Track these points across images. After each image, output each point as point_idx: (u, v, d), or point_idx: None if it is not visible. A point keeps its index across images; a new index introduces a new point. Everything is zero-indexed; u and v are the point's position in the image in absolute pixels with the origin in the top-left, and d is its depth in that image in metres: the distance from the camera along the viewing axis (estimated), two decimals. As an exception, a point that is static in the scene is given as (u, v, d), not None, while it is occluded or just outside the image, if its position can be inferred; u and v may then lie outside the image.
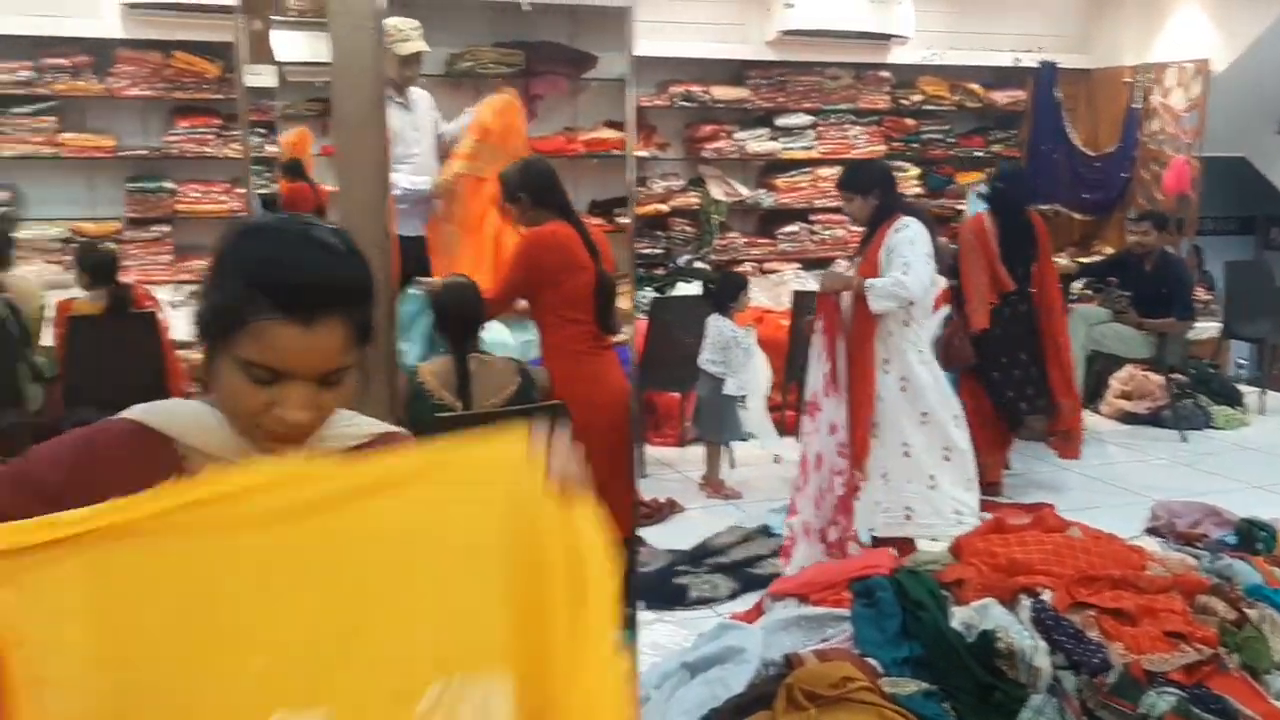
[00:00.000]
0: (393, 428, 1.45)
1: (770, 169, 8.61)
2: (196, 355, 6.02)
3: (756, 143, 8.44)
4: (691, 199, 8.21)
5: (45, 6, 6.86)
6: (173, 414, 1.35)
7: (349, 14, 2.25)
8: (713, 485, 5.80)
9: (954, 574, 3.42)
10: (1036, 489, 5.90)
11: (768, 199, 8.50)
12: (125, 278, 5.97)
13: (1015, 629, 3.16)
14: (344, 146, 2.36)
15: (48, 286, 5.61)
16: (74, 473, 1.30)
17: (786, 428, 6.32)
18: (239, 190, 7.51)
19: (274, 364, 1.24)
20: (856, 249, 4.65)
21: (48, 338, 5.49)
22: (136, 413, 1.36)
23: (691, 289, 7.34)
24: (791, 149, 8.53)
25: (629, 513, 3.58)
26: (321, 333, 1.24)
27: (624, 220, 6.17)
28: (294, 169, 7.02)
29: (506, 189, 4.09)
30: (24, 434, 5.18)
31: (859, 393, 4.35)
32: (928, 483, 4.42)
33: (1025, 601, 3.30)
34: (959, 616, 3.22)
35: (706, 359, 5.65)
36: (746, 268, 8.17)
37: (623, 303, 4.22)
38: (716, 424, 5.76)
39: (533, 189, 3.99)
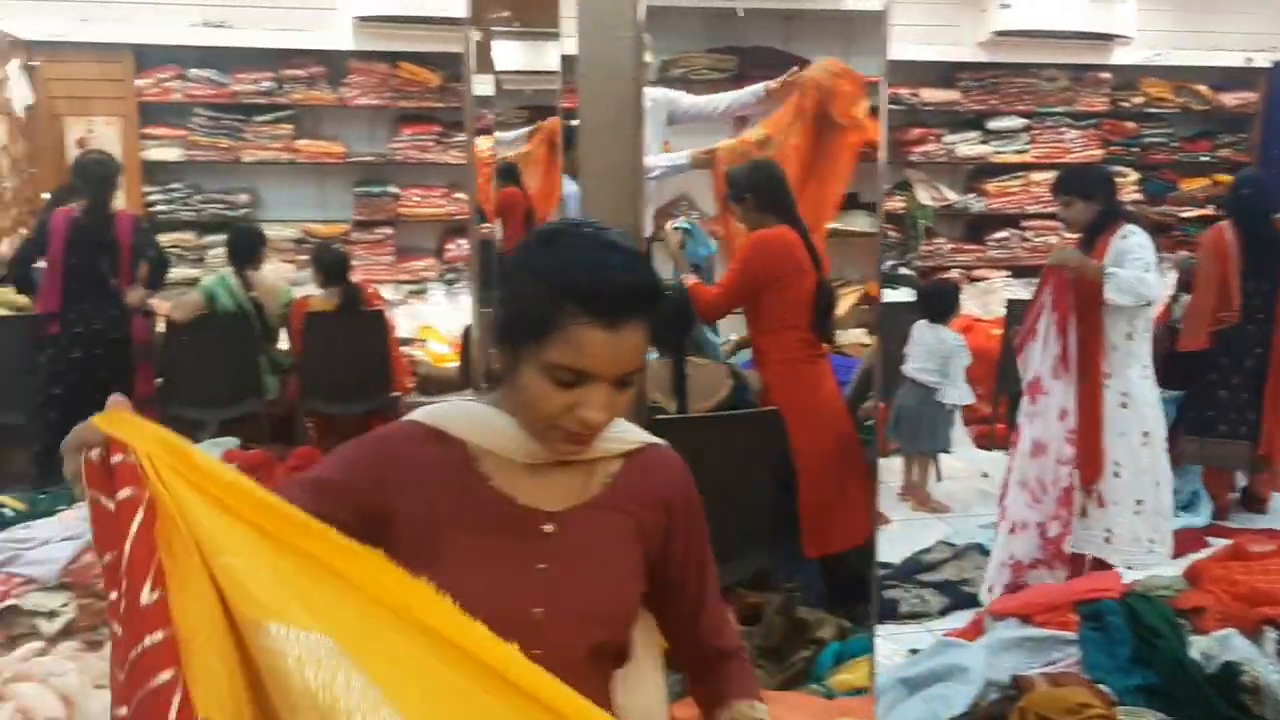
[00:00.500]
0: (656, 439, 1.48)
1: (980, 173, 8.39)
2: (416, 353, 6.35)
3: (966, 146, 8.24)
4: (896, 203, 8.09)
5: (287, 21, 7.32)
6: (463, 416, 1.39)
7: (604, 24, 2.30)
8: (919, 497, 5.69)
9: (1190, 601, 3.27)
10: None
11: (977, 204, 8.29)
12: (354, 277, 6.31)
13: (1260, 662, 2.99)
14: (593, 155, 2.41)
15: (294, 284, 5.98)
16: (370, 475, 1.35)
17: (996, 441, 6.15)
18: (457, 195, 7.83)
19: (581, 366, 1.26)
20: None
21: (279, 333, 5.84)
22: (425, 415, 1.40)
23: (895, 295, 7.22)
24: (1003, 153, 8.29)
25: (866, 522, 3.54)
26: (626, 335, 1.26)
27: (853, 227, 6.04)
28: (508, 174, 7.28)
29: (733, 188, 4.07)
30: (261, 421, 5.54)
31: (1088, 391, 4.11)
32: (1134, 507, 4.17)
33: (1271, 634, 3.13)
34: (1198, 646, 3.07)
35: (915, 367, 5.54)
36: (953, 274, 7.98)
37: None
38: (924, 434, 5.64)
39: (760, 190, 3.96)
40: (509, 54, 6.92)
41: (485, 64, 6.43)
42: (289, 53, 7.45)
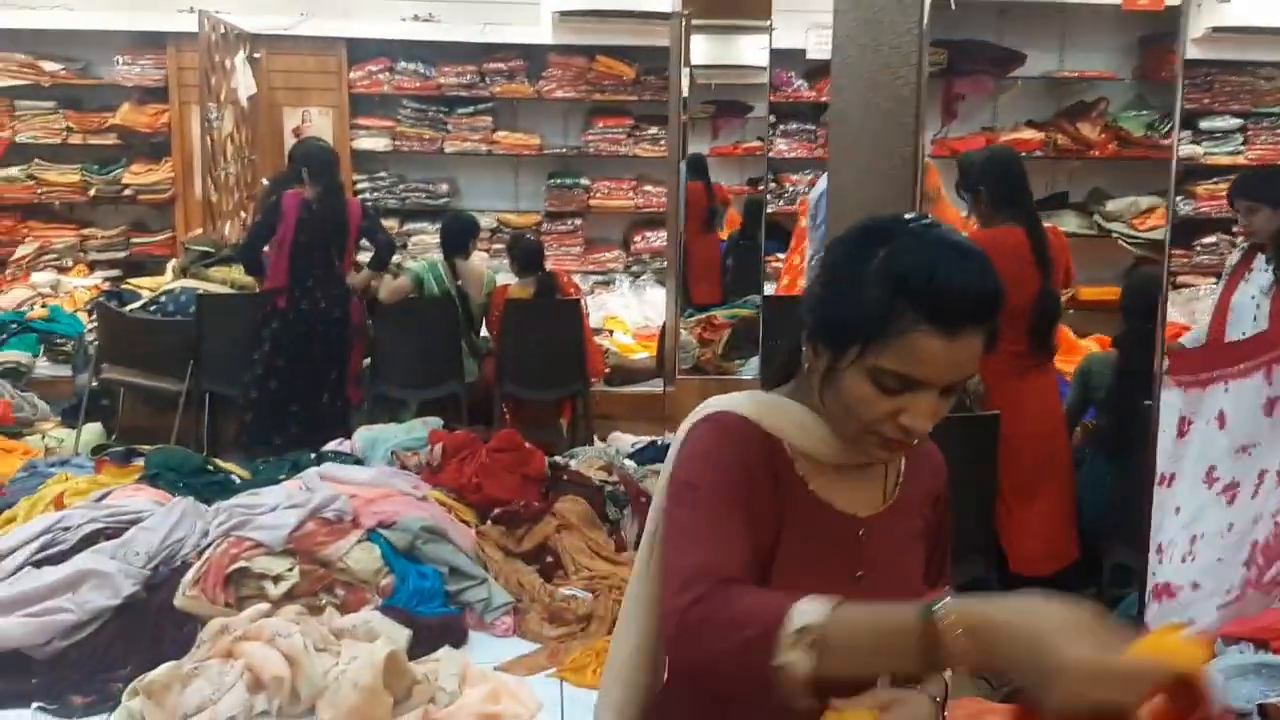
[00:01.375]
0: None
1: (1190, 175, 7.98)
2: (603, 343, 6.44)
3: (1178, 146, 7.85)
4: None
5: (491, 15, 7.52)
6: (779, 413, 1.31)
7: (873, 17, 2.27)
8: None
9: None
10: None
11: (1185, 206, 7.89)
12: (548, 266, 6.45)
13: None
14: (857, 148, 2.36)
15: (494, 272, 6.15)
16: (745, 476, 1.26)
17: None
18: (645, 187, 7.91)
19: (913, 374, 1.19)
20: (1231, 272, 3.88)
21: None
22: (747, 409, 1.31)
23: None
24: (1215, 154, 7.87)
25: (1070, 546, 3.41)
26: (963, 344, 1.18)
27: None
28: (696, 166, 7.33)
29: (965, 177, 3.80)
30: (460, 403, 5.72)
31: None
32: None
33: None
34: None
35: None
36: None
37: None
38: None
39: (995, 183, 3.66)
40: (702, 48, 6.97)
41: (684, 57, 6.49)
42: (492, 47, 7.66)
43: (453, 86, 7.70)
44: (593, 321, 6.76)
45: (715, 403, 1.33)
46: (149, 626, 3.52)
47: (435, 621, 3.70)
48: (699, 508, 1.22)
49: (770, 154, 7.27)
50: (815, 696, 1.08)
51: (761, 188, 7.09)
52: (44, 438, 5.57)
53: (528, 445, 4.75)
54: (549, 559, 4.27)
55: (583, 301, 6.15)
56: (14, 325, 6.29)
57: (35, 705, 3.25)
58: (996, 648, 1.01)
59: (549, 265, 6.96)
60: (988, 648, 1.01)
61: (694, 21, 6.38)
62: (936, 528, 1.40)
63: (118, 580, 3.54)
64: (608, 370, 6.13)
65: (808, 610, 1.07)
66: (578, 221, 7.95)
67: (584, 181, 7.89)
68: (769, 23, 6.14)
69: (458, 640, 3.66)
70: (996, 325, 1.22)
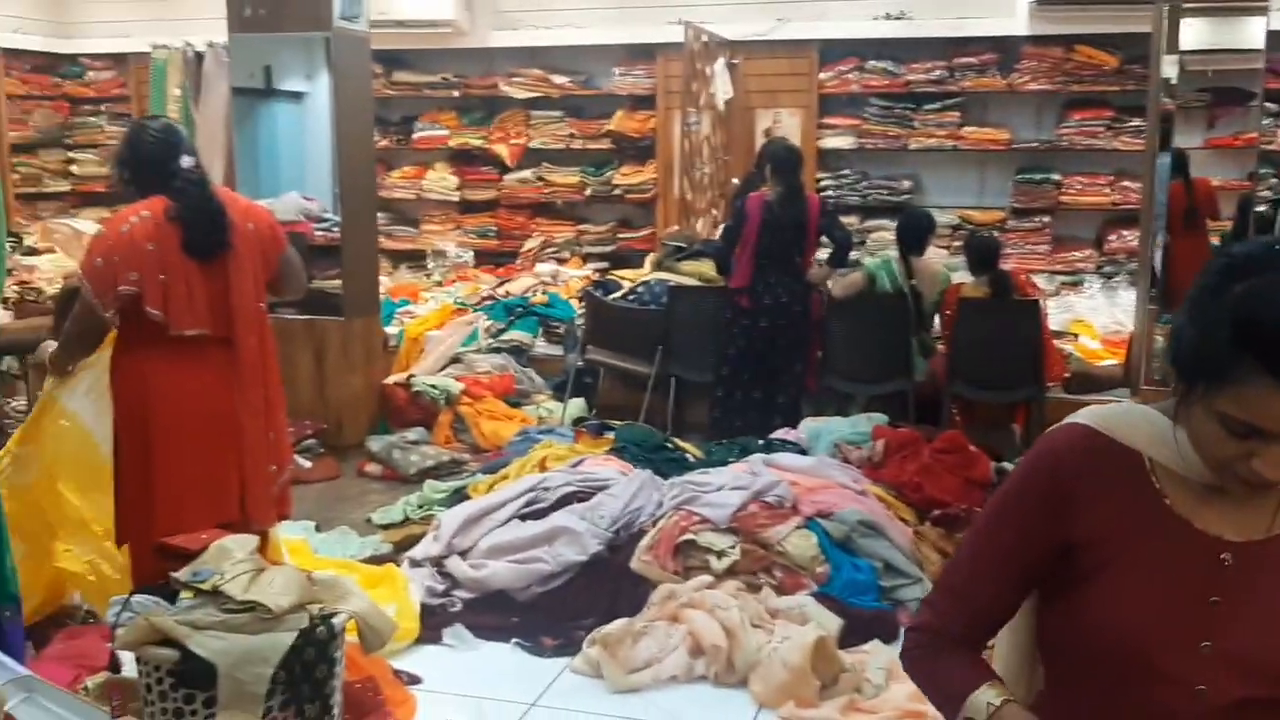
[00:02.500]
0: None
1: None
2: (1066, 347, 6.15)
3: None
4: None
5: (965, 9, 7.42)
6: (1139, 424, 1.28)
7: None
8: None
9: None
10: None
11: None
12: (1004, 265, 6.28)
13: None
14: None
15: (948, 269, 6.10)
16: (1044, 510, 1.29)
17: None
18: (1123, 183, 7.43)
19: (1258, 423, 1.12)
20: None
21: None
22: (1095, 419, 1.30)
23: None
24: None
25: None
26: None
27: None
28: (1175, 161, 6.74)
29: None
30: (907, 400, 5.73)
31: None
32: None
33: None
34: None
35: None
36: None
37: None
38: None
39: None
40: (1197, 33, 6.40)
41: (1172, 44, 6.02)
42: (963, 41, 7.55)
43: (921, 83, 7.69)
44: (1055, 324, 6.48)
45: (1080, 413, 1.33)
46: (609, 584, 3.92)
47: (867, 614, 3.79)
48: (978, 532, 1.35)
49: (1269, 146, 6.54)
50: None
51: (1250, 183, 6.40)
52: (538, 408, 6.32)
53: (973, 448, 4.69)
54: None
55: (1041, 302, 5.93)
56: (519, 309, 7.17)
57: (514, 640, 3.75)
58: None
59: (1011, 264, 6.77)
60: None
61: (1184, 4, 5.89)
62: None
63: (586, 539, 3.99)
64: (1067, 376, 5.86)
65: (976, 703, 1.28)
66: (1046, 219, 7.63)
67: (1055, 177, 7.56)
68: (1266, 3, 5.54)
69: (888, 635, 3.73)
70: None
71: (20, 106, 9.29)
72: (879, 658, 3.51)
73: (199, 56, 8.66)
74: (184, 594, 2.41)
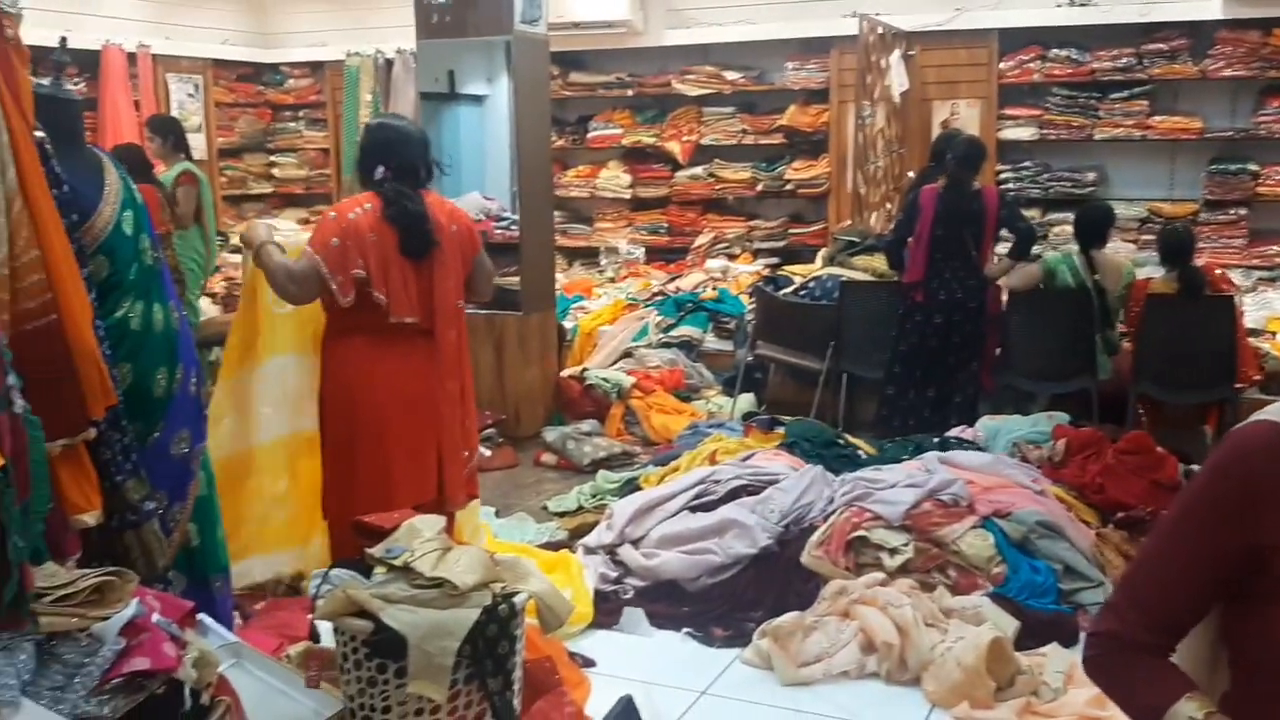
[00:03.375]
0: None
1: None
2: (1263, 345, 5.83)
3: None
4: None
5: (1157, -7, 7.11)
6: None
7: None
8: None
9: None
10: None
11: None
12: (1198, 260, 5.99)
13: None
14: None
15: (1134, 264, 5.87)
16: (1232, 516, 1.25)
17: None
18: (1332, 173, 6.99)
19: None
20: None
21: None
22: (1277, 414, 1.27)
23: None
24: None
25: None
26: None
27: None
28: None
29: None
30: (1090, 399, 5.54)
31: None
32: None
33: None
34: None
35: None
36: None
37: None
38: None
39: None
40: None
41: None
42: (1152, 26, 7.23)
43: (1106, 71, 7.40)
44: (1251, 321, 6.15)
45: (1268, 409, 1.29)
46: (779, 577, 3.94)
47: (1046, 616, 3.69)
48: (1163, 535, 1.32)
49: None
50: None
51: None
52: (707, 403, 6.38)
53: (1160, 450, 4.51)
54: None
55: (1236, 299, 5.63)
56: (689, 304, 7.24)
57: (684, 630, 3.81)
58: None
59: (1204, 258, 6.46)
60: None
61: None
62: None
63: (755, 532, 4.01)
64: (1262, 376, 5.56)
65: (1178, 716, 1.24)
66: (1241, 211, 7.23)
67: (1251, 167, 7.15)
68: None
69: (1067, 639, 3.63)
70: None
71: (227, 114, 9.89)
72: (1057, 661, 3.42)
73: (389, 63, 9.06)
74: (377, 569, 2.54)
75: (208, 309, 6.64)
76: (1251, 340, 5.79)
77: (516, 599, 2.52)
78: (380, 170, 3.41)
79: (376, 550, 2.56)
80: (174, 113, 8.55)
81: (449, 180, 8.34)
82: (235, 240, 7.85)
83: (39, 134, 2.19)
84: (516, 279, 6.19)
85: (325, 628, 2.68)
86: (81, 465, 2.23)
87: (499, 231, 6.94)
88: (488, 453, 5.47)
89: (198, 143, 8.95)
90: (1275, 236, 7.25)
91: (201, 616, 2.61)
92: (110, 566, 1.99)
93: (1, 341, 1.72)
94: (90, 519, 2.23)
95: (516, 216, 6.37)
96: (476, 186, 7.85)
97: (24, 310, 2.05)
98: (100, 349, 2.26)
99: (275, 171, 10.15)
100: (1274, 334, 6.24)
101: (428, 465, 3.45)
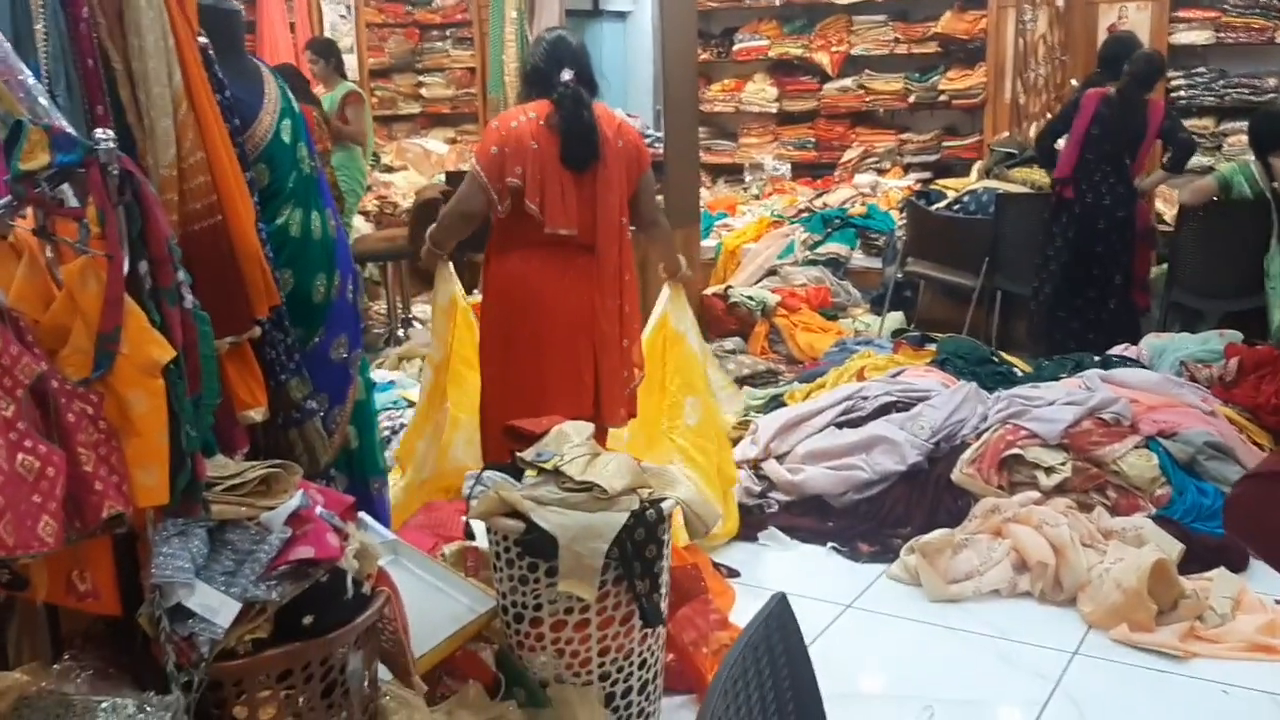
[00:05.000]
0: None
1: None
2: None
3: None
4: None
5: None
6: None
7: None
8: None
9: None
10: None
11: None
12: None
13: None
14: None
15: None
16: None
17: None
18: None
19: None
20: None
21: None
22: None
23: None
24: None
25: None
26: None
27: None
28: None
29: None
30: (1263, 318, 5.21)
31: None
32: None
33: None
34: None
35: None
36: None
37: None
38: None
39: None
40: None
41: None
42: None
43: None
44: None
45: None
46: (928, 494, 3.87)
47: (1212, 541, 3.53)
48: None
49: None
50: None
51: None
52: (854, 321, 6.26)
53: (1344, 370, 4.23)
54: (1358, 498, 3.82)
55: None
56: (837, 220, 7.09)
57: (830, 545, 3.78)
58: None
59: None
60: None
61: None
62: None
63: (904, 449, 3.94)
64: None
65: None
66: None
67: None
68: None
69: (1236, 565, 3.47)
70: None
71: (377, 34, 10.03)
72: (1224, 586, 3.27)
73: (534, -20, 9.02)
74: (528, 472, 2.58)
75: (360, 227, 6.81)
76: None
77: (664, 504, 2.52)
78: (568, 74, 3.32)
79: (527, 454, 2.59)
80: (327, 34, 8.72)
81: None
82: (386, 160, 8.02)
83: (202, 40, 2.24)
84: (660, 197, 6.14)
85: (479, 528, 2.75)
86: (248, 363, 2.31)
87: (645, 147, 6.90)
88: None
89: (350, 64, 9.11)
90: None
91: (361, 514, 2.71)
92: (276, 460, 2.06)
93: (171, 239, 1.77)
94: (257, 415, 2.31)
95: (660, 134, 6.30)
96: (619, 104, 7.77)
97: (191, 211, 2.12)
98: (264, 251, 2.32)
99: (423, 91, 10.27)
100: None
101: (584, 382, 3.39)
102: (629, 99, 8.05)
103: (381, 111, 10.03)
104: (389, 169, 7.90)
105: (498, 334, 3.44)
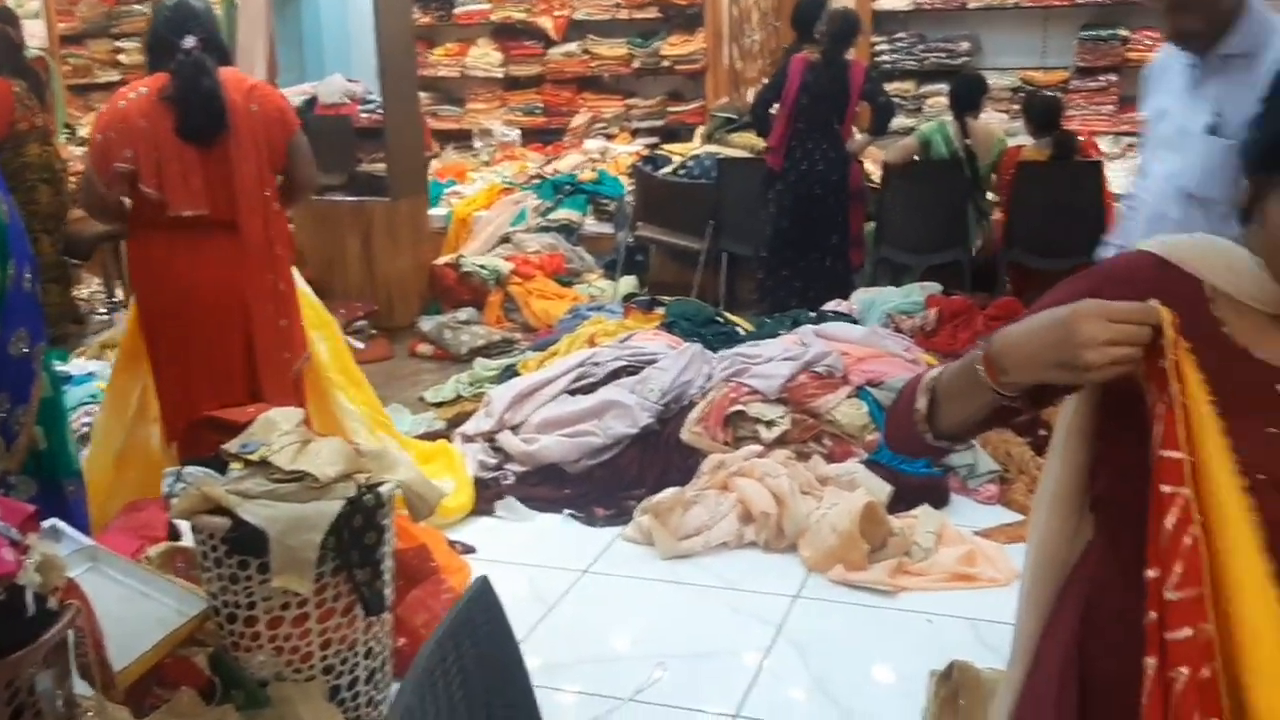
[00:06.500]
0: None
1: None
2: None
3: None
4: None
5: None
6: (1200, 251, 1.24)
7: None
8: None
9: None
10: None
11: None
12: (1068, 126, 6.07)
13: None
14: None
15: (1006, 134, 5.92)
16: (1070, 295, 1.21)
17: None
18: (1195, 37, 7.09)
19: None
20: None
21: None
22: (1159, 246, 1.27)
23: None
24: None
25: None
26: None
27: None
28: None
29: None
30: (963, 269, 5.63)
31: None
32: None
33: None
34: None
35: None
36: None
37: None
38: None
39: None
40: None
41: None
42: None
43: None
44: (1119, 186, 6.28)
45: (1148, 241, 1.28)
46: (659, 455, 3.95)
47: (918, 480, 3.78)
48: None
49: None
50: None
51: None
52: (589, 287, 6.31)
53: (1029, 314, 4.61)
54: (1042, 432, 4.17)
55: (1103, 164, 5.74)
56: (568, 187, 7.11)
57: (566, 511, 3.80)
58: (1016, 343, 1.16)
59: (1075, 125, 6.54)
60: (1010, 345, 1.16)
61: None
62: None
63: (635, 412, 4.00)
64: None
65: (932, 372, 1.32)
66: (1112, 78, 7.32)
67: (1122, 33, 7.22)
68: None
69: (938, 501, 3.73)
70: None
71: (67, -1, 9.26)
72: (928, 522, 3.51)
73: (239, -63, 8.52)
74: (234, 465, 2.45)
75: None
76: (1118, 205, 5.92)
77: (382, 489, 2.46)
78: (190, 40, 3.09)
79: (231, 445, 2.46)
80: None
81: (310, 62, 7.96)
82: (83, 132, 7.42)
83: None
84: (383, 164, 5.98)
85: (185, 527, 2.59)
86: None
87: (364, 115, 6.69)
88: (360, 345, 5.34)
89: (37, 30, 8.37)
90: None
91: (54, 521, 2.51)
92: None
93: None
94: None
95: (381, 99, 6.12)
96: (340, 68, 7.52)
97: None
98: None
99: (122, 58, 9.56)
100: (1140, 199, 6.39)
101: (233, 369, 3.21)
102: (351, 63, 7.75)
103: (76, 80, 9.28)
104: (85, 142, 7.30)
105: (146, 322, 3.27)
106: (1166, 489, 1.13)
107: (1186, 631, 1.10)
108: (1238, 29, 2.21)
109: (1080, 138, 6.00)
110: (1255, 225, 1.19)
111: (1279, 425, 1.19)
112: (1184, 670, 1.09)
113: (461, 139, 8.73)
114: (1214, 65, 2.24)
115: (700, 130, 7.26)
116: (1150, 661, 1.12)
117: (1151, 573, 1.13)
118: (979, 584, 3.27)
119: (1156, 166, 2.41)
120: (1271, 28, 2.22)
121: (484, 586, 1.50)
